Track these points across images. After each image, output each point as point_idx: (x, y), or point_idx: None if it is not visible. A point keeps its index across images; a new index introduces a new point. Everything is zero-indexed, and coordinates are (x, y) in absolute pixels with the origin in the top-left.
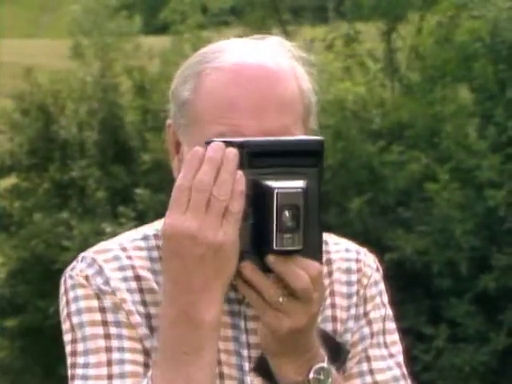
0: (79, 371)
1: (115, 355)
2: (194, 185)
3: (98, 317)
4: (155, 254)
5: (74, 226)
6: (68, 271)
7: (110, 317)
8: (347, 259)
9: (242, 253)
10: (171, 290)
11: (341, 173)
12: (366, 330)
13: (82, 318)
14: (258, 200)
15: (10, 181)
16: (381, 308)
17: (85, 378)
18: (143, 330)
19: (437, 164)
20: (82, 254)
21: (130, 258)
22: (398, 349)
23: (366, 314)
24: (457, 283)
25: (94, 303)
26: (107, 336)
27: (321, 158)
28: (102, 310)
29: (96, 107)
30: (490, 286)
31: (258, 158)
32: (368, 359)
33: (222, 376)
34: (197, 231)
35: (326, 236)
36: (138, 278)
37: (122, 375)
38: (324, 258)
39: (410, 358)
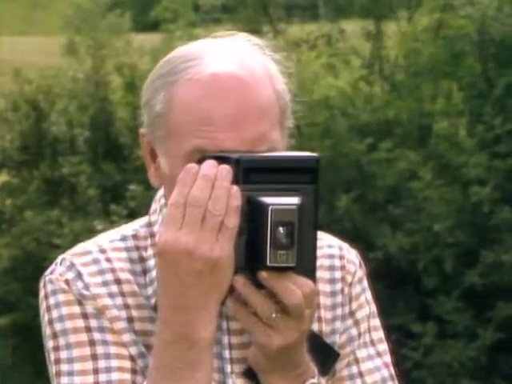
0: (64, 380)
1: (101, 363)
2: (188, 200)
3: (80, 323)
4: (135, 254)
5: (65, 223)
6: (47, 274)
7: (93, 322)
8: (330, 255)
9: (236, 268)
10: (168, 310)
11: (329, 170)
12: (354, 331)
13: (64, 324)
14: (253, 216)
15: (1, 178)
16: (366, 306)
17: None
18: (128, 337)
19: (421, 162)
20: (61, 257)
21: (109, 260)
22: (384, 347)
23: (351, 314)
24: (444, 280)
25: (76, 309)
26: (92, 343)
27: (317, 174)
28: (85, 315)
29: (87, 104)
30: (477, 281)
31: (254, 173)
32: (357, 361)
33: None
34: (193, 247)
35: None
36: (118, 281)
37: (108, 383)
38: None
39: (400, 357)
